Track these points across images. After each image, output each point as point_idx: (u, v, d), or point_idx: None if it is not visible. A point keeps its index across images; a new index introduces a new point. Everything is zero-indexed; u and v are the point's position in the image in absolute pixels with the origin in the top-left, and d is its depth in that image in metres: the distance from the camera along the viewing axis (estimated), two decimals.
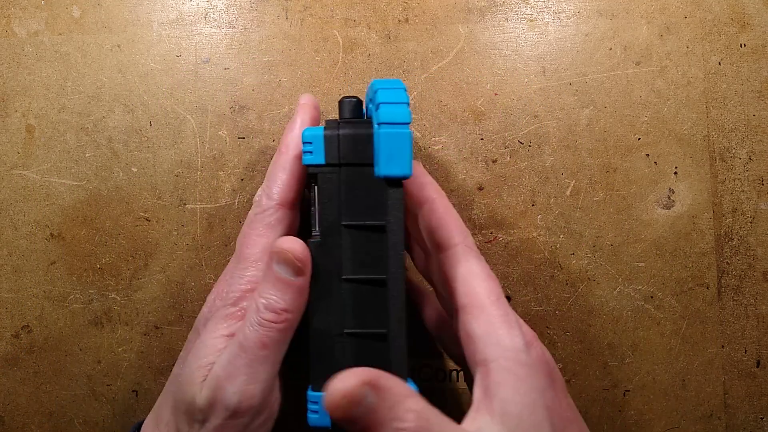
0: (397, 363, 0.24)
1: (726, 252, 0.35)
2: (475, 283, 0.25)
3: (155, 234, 0.35)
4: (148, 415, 0.28)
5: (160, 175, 0.35)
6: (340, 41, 0.35)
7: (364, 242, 0.25)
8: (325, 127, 0.25)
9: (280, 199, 0.27)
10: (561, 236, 0.35)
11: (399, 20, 0.35)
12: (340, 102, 0.27)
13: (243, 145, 0.35)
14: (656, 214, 0.35)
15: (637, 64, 0.35)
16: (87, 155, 0.36)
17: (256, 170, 0.35)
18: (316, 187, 0.26)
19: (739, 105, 0.35)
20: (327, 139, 0.25)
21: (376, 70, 0.35)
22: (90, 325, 0.35)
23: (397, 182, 0.24)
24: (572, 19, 0.35)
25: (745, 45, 0.35)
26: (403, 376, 0.24)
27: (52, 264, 0.36)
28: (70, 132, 0.36)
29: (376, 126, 0.24)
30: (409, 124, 0.23)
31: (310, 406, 0.25)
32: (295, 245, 0.24)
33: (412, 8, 0.36)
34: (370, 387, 0.20)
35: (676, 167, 0.35)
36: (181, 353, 0.29)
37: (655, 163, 0.35)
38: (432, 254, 0.28)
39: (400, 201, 0.24)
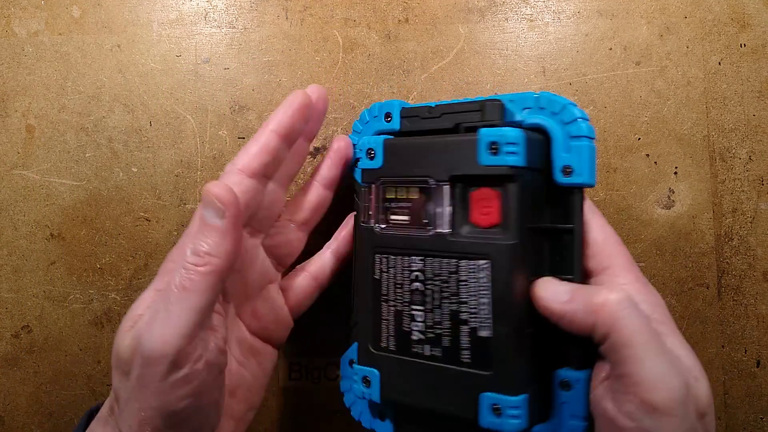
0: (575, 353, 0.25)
1: (726, 252, 0.35)
2: (614, 244, 0.26)
3: (155, 234, 0.35)
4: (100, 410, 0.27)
5: (160, 175, 0.35)
6: (340, 41, 0.35)
7: (544, 245, 0.26)
8: (522, 129, 0.25)
9: (241, 166, 0.27)
10: None
11: (399, 20, 0.35)
12: (487, 104, 0.26)
13: (243, 144, 0.35)
14: (656, 214, 0.35)
15: (637, 64, 0.35)
16: (87, 155, 0.36)
17: None
18: (484, 188, 0.25)
19: (739, 105, 0.35)
20: (530, 142, 0.25)
21: (376, 70, 0.35)
22: (90, 325, 0.35)
23: (580, 189, 0.26)
24: (572, 19, 0.35)
25: (745, 45, 0.35)
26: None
27: (52, 264, 0.36)
28: (70, 132, 0.36)
29: (564, 137, 0.25)
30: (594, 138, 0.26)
31: (511, 412, 0.24)
32: (220, 189, 0.24)
33: (412, 8, 0.36)
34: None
35: (676, 167, 0.35)
36: None
37: (655, 163, 0.35)
38: None
39: (582, 206, 0.26)
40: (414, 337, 0.26)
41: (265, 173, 0.28)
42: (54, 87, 0.36)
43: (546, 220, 0.26)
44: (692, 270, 0.35)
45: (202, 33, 0.36)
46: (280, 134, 0.28)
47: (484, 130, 0.25)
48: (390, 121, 0.29)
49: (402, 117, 0.29)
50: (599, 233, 0.26)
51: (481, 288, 0.25)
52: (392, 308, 0.27)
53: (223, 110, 0.35)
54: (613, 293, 0.23)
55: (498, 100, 0.26)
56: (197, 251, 0.24)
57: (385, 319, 0.27)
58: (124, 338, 0.24)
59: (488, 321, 0.24)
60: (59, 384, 0.35)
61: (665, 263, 0.35)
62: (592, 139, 0.25)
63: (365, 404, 0.29)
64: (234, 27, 0.36)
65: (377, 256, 0.28)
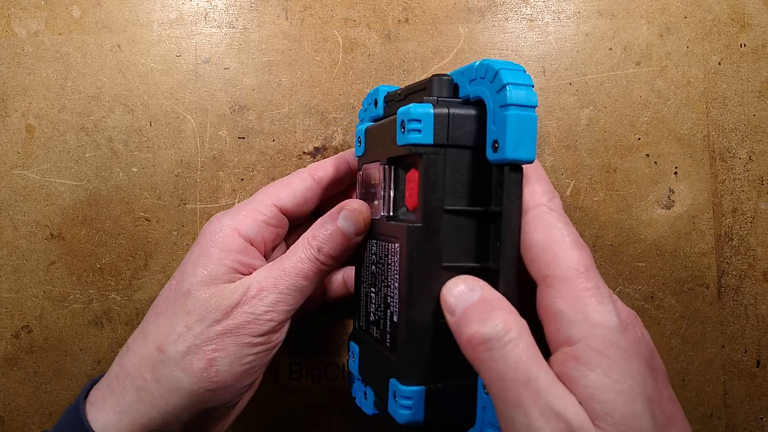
0: None
1: (726, 252, 0.35)
2: (559, 250, 0.21)
3: (155, 234, 0.35)
4: (101, 380, 0.27)
5: (160, 175, 0.35)
6: (340, 41, 0.35)
7: (463, 229, 0.23)
8: (434, 105, 0.23)
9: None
10: None
11: (399, 20, 0.35)
12: (434, 79, 0.25)
13: (243, 145, 0.35)
14: (656, 214, 0.35)
15: (637, 64, 0.35)
16: (87, 155, 0.36)
17: (256, 170, 0.35)
18: (413, 169, 0.24)
19: (739, 105, 0.35)
20: (437, 118, 0.23)
21: (376, 70, 0.35)
22: (90, 325, 0.35)
23: (517, 167, 0.22)
24: (572, 19, 0.35)
25: (745, 45, 0.35)
26: None
27: (52, 264, 0.36)
28: (70, 132, 0.36)
29: (495, 108, 0.22)
30: (536, 107, 0.22)
31: (403, 402, 0.23)
32: (364, 208, 0.27)
33: (412, 8, 0.36)
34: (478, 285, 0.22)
35: (676, 167, 0.35)
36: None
37: (655, 163, 0.35)
38: None
39: (519, 187, 0.22)
40: (370, 318, 0.28)
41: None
42: (54, 87, 0.36)
43: (480, 202, 0.23)
44: (692, 270, 0.35)
45: (202, 33, 0.36)
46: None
47: (401, 109, 0.24)
48: (377, 107, 0.30)
49: (385, 102, 0.29)
50: (542, 235, 0.22)
51: (394, 272, 0.25)
52: (363, 290, 0.29)
53: (223, 110, 0.35)
54: (485, 326, 0.20)
55: (447, 76, 0.25)
56: (327, 252, 0.27)
57: (361, 299, 0.29)
58: (226, 288, 0.26)
59: (397, 306, 0.24)
60: (59, 384, 0.35)
61: (665, 263, 0.35)
62: (526, 106, 0.21)
63: (359, 384, 0.30)
64: (234, 27, 0.36)
65: (367, 240, 0.28)
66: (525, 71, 0.22)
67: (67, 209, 0.36)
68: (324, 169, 0.31)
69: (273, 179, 0.35)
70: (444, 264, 0.23)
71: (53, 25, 0.36)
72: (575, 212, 0.35)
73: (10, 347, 0.36)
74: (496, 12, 0.35)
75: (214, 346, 0.25)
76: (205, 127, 0.35)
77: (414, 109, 0.23)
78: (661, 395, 0.21)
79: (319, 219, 0.28)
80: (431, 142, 0.23)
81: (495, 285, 0.22)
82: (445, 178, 0.23)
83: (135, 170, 0.35)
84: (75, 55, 0.36)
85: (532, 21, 0.35)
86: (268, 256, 0.29)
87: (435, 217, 0.23)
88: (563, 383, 0.19)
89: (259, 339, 0.26)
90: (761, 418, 0.34)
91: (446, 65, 0.35)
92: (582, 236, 0.35)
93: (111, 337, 0.35)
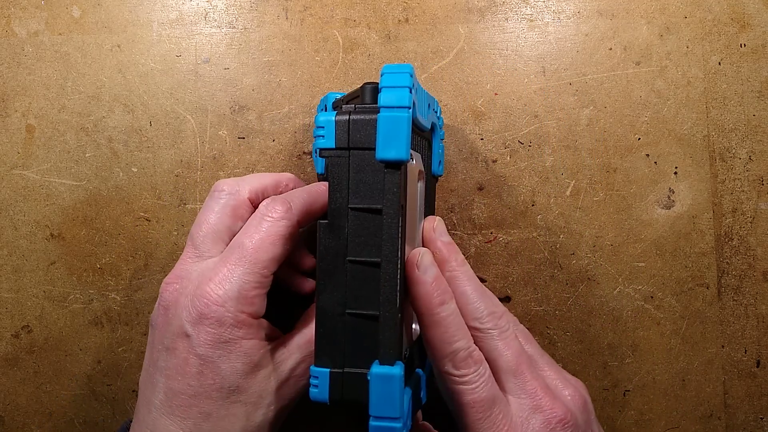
0: (385, 345, 0.24)
1: (726, 252, 0.35)
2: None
3: (155, 234, 0.35)
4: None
5: (160, 175, 0.35)
6: (340, 41, 0.35)
7: (367, 225, 0.25)
8: (337, 113, 0.26)
9: (298, 213, 0.27)
10: (561, 236, 0.35)
11: (399, 20, 0.35)
12: (362, 87, 0.27)
13: (243, 145, 0.35)
14: (656, 214, 0.35)
15: (637, 64, 0.35)
16: (87, 155, 0.36)
17: (256, 170, 0.35)
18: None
19: (739, 105, 0.35)
20: (338, 124, 0.25)
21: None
22: (90, 325, 0.35)
23: (395, 165, 0.23)
24: (572, 19, 0.35)
25: (745, 45, 0.35)
26: (390, 360, 0.23)
27: (52, 264, 0.36)
28: (70, 132, 0.36)
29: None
30: (408, 108, 0.23)
31: (312, 381, 0.25)
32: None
33: (412, 8, 0.36)
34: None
35: (676, 167, 0.35)
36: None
37: (655, 163, 0.35)
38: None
39: (396, 184, 0.23)
40: None
41: None
42: (54, 87, 0.36)
43: (373, 200, 0.26)
44: (692, 270, 0.35)
45: (202, 33, 0.36)
46: None
47: (318, 116, 0.26)
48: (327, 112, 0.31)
49: (333, 108, 0.30)
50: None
51: None
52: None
53: (223, 110, 0.35)
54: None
55: (372, 84, 0.27)
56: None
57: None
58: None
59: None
60: (59, 384, 0.35)
61: (665, 263, 0.35)
62: (396, 107, 0.23)
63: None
64: (234, 27, 0.36)
65: None
66: (410, 73, 0.23)
67: (67, 209, 0.36)
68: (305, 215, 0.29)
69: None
70: (348, 258, 0.25)
71: (53, 25, 0.36)
72: (575, 212, 0.35)
73: (10, 347, 0.36)
74: (496, 12, 0.35)
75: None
76: (205, 127, 0.35)
77: (318, 117, 0.26)
78: None
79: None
80: (333, 145, 0.25)
81: (378, 275, 0.24)
82: (349, 178, 0.25)
83: (135, 170, 0.35)
84: (75, 55, 0.36)
85: (532, 21, 0.35)
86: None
87: (340, 214, 0.25)
88: None
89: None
90: (761, 418, 0.34)
91: (446, 65, 0.35)
92: (582, 236, 0.35)
93: (111, 337, 0.35)
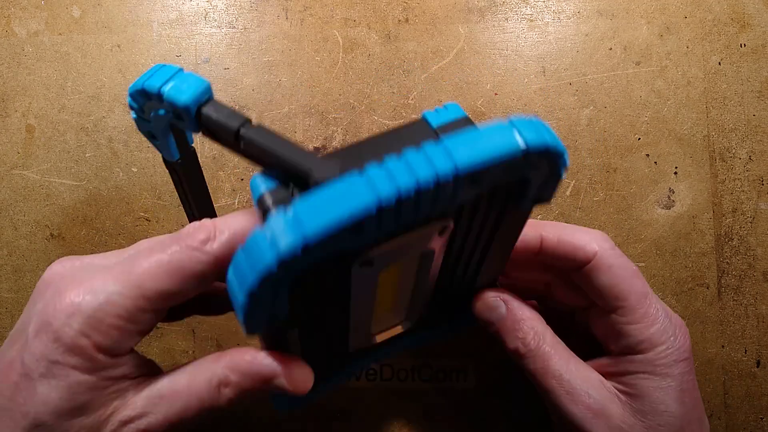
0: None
1: (726, 252, 0.35)
2: (626, 285, 0.25)
3: (155, 234, 0.35)
4: None
5: (160, 175, 0.35)
6: (340, 41, 0.36)
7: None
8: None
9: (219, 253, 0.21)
10: None
11: (399, 20, 0.35)
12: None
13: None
14: (656, 214, 0.35)
15: (637, 64, 0.35)
16: (87, 155, 0.36)
17: (255, 170, 0.35)
18: None
19: (739, 105, 0.35)
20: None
21: (376, 70, 0.35)
22: None
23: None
24: (572, 19, 0.35)
25: (745, 45, 0.35)
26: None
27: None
28: (70, 132, 0.36)
29: None
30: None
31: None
32: None
33: (412, 8, 0.36)
34: (502, 300, 0.26)
35: (676, 167, 0.35)
36: None
37: (655, 163, 0.35)
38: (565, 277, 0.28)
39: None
40: None
41: None
42: (54, 87, 0.36)
43: None
44: (692, 270, 0.35)
45: (202, 33, 0.36)
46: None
47: None
48: None
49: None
50: (607, 277, 0.26)
51: None
52: None
53: None
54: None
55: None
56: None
57: None
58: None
59: None
60: None
61: (665, 263, 0.35)
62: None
63: None
64: (234, 27, 0.36)
65: None
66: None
67: (67, 209, 0.36)
68: None
69: None
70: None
71: (53, 25, 0.36)
72: (575, 212, 0.35)
73: None
74: (496, 12, 0.35)
75: None
76: None
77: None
78: (694, 384, 0.26)
79: None
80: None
81: None
82: None
83: (135, 170, 0.35)
84: (75, 55, 0.36)
85: (532, 21, 0.35)
86: None
87: None
88: (623, 387, 0.25)
89: None
90: (761, 418, 0.34)
91: (446, 65, 0.35)
92: None
93: None
